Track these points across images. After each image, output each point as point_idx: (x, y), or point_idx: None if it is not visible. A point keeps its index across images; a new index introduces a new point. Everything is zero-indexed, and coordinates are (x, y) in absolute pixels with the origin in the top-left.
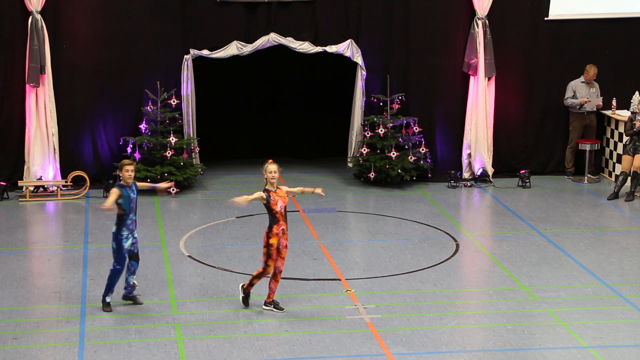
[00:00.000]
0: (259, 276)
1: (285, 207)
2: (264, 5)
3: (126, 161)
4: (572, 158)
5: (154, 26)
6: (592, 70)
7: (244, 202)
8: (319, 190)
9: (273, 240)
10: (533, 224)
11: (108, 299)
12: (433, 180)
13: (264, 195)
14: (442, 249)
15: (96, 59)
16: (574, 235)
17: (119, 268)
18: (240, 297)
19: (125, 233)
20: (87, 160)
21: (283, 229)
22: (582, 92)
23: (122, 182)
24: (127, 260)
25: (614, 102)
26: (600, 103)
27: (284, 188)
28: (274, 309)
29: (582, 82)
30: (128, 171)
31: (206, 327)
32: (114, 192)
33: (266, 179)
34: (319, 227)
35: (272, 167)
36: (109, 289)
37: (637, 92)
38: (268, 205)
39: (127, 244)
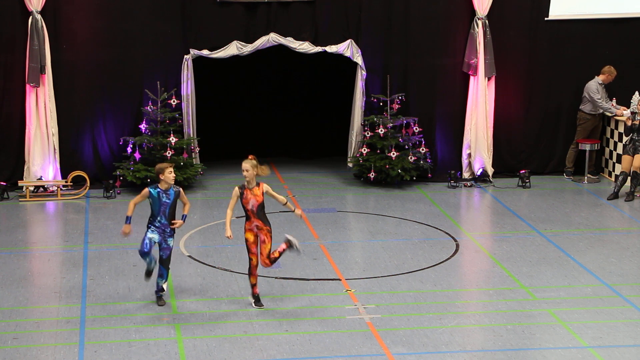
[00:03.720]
0: (249, 273)
1: (258, 205)
2: (264, 5)
3: (166, 164)
4: (575, 157)
5: (154, 26)
6: (614, 72)
7: (231, 206)
8: (298, 212)
9: (247, 235)
10: (533, 224)
11: (161, 284)
12: (433, 180)
13: (237, 192)
14: (442, 249)
15: (96, 59)
16: (574, 235)
17: (139, 249)
18: (252, 303)
19: (151, 228)
20: (87, 160)
21: (257, 225)
22: (601, 94)
23: (160, 183)
24: (151, 252)
25: (613, 102)
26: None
27: (265, 187)
28: (254, 305)
29: (600, 83)
30: (172, 172)
31: (206, 327)
32: (143, 192)
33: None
34: (319, 227)
35: (244, 165)
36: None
37: (637, 92)
38: (241, 202)
39: (149, 235)
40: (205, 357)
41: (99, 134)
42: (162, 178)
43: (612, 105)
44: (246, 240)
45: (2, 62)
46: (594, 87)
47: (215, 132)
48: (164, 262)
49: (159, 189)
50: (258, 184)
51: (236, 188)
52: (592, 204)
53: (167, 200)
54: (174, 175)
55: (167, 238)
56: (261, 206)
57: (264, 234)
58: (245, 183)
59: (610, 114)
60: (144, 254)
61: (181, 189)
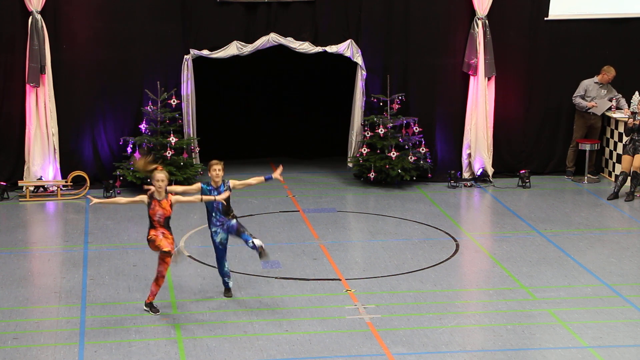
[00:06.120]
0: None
1: (165, 217)
2: (264, 5)
3: (214, 160)
4: (574, 157)
5: (154, 26)
6: (612, 72)
7: (124, 201)
8: (225, 194)
9: (151, 237)
10: (533, 224)
11: (230, 284)
12: (433, 180)
13: (145, 200)
14: (442, 249)
15: (96, 59)
16: (574, 235)
17: (217, 258)
18: (149, 310)
19: (213, 229)
20: (87, 160)
21: (163, 233)
22: (593, 93)
23: (211, 181)
24: (224, 252)
25: (614, 102)
26: (612, 106)
27: (173, 199)
28: (151, 311)
29: (595, 82)
30: (215, 170)
31: (206, 327)
32: (195, 184)
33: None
34: (319, 227)
35: (159, 175)
36: (221, 276)
37: (637, 92)
38: (147, 211)
39: (217, 238)
40: (205, 357)
41: (99, 134)
42: (209, 174)
43: (590, 104)
44: (152, 240)
45: (2, 62)
46: (583, 84)
47: (215, 132)
48: (240, 232)
49: (210, 186)
50: (167, 196)
51: (145, 196)
52: (592, 204)
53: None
54: (219, 172)
55: (230, 225)
56: (168, 218)
57: (170, 242)
58: (155, 193)
59: (584, 109)
60: (222, 253)
61: (232, 180)
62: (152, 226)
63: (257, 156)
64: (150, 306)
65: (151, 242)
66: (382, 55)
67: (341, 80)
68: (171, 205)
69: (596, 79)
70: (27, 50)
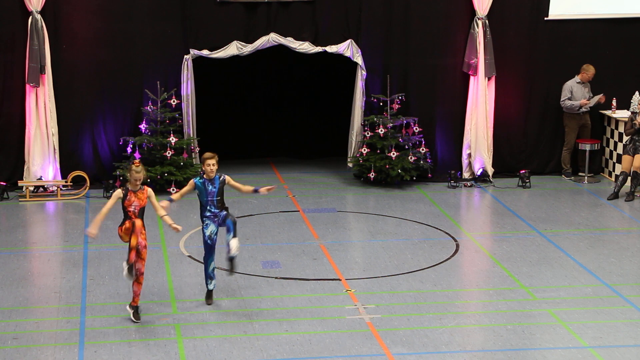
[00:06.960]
0: (136, 279)
1: (140, 208)
2: (264, 5)
3: (207, 154)
4: (570, 159)
5: (154, 26)
6: (591, 70)
7: (106, 210)
8: (179, 228)
9: (121, 233)
10: (533, 224)
11: (210, 287)
12: (433, 180)
13: (120, 195)
14: (442, 249)
15: (96, 59)
16: (574, 235)
17: (204, 257)
18: (131, 315)
19: (205, 222)
20: (87, 160)
21: (134, 223)
22: (579, 94)
23: (205, 174)
24: (212, 249)
25: (614, 102)
26: (602, 98)
27: (149, 192)
28: (132, 317)
29: (577, 82)
30: (209, 165)
31: (206, 327)
32: (189, 183)
33: (130, 178)
34: (319, 227)
35: (137, 169)
36: (205, 277)
37: (637, 92)
38: (122, 204)
39: (207, 231)
40: (205, 357)
41: (98, 134)
42: (203, 169)
43: (583, 102)
44: (121, 237)
45: (2, 62)
46: (567, 86)
47: (215, 132)
48: (229, 221)
49: (204, 179)
50: (143, 188)
51: (118, 190)
52: (592, 204)
53: (213, 189)
54: (213, 167)
55: (221, 215)
56: (143, 209)
57: (144, 238)
58: (131, 187)
59: (577, 110)
60: (209, 250)
61: (227, 176)
62: (126, 217)
63: (257, 156)
64: (135, 310)
65: (123, 231)
66: (382, 55)
67: (341, 80)
68: (147, 198)
69: (577, 78)
70: (27, 50)
